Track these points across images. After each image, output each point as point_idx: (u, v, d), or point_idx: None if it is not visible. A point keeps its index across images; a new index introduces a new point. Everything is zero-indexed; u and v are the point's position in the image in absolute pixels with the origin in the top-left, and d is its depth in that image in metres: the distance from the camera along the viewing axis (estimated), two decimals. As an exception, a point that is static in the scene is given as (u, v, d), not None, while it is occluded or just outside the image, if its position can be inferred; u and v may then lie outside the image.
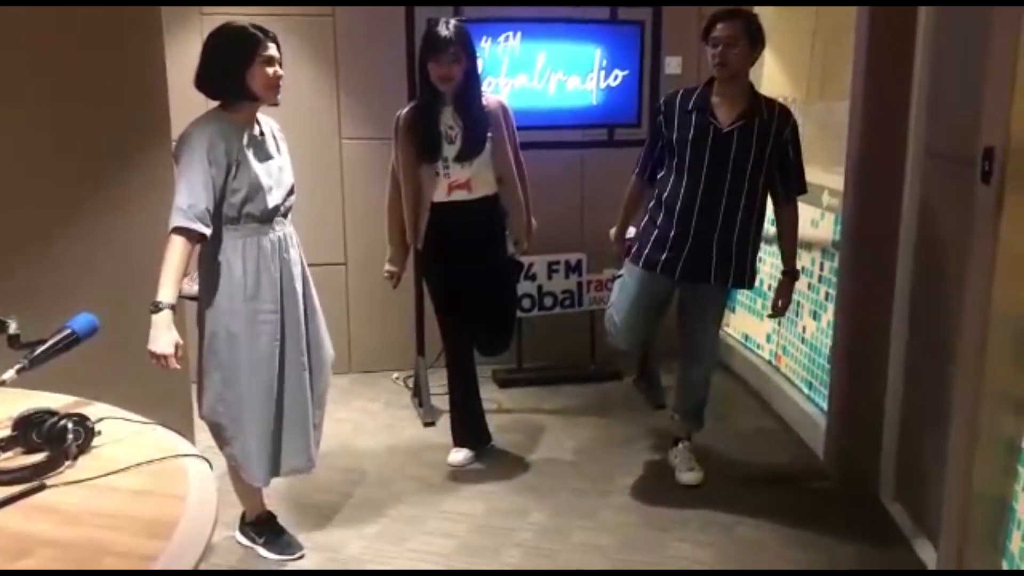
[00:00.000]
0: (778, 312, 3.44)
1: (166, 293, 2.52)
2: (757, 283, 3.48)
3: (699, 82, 3.35)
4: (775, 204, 3.35)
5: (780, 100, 3.43)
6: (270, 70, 2.64)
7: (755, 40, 3.15)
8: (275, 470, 2.88)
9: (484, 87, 3.75)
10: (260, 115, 2.79)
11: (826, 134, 3.80)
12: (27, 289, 3.00)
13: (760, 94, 3.27)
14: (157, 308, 2.50)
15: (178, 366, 2.54)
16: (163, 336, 2.50)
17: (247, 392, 2.75)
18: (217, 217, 2.65)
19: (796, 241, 3.38)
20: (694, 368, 3.54)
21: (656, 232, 3.32)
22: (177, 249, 2.56)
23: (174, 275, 2.54)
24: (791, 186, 3.30)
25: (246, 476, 2.86)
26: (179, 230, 2.56)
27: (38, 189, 3.07)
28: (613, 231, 3.66)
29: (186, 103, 3.52)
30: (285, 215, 2.82)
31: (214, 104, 2.73)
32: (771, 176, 3.25)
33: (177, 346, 2.52)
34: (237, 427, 2.78)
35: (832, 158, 3.72)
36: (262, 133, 2.78)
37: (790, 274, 3.38)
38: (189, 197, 2.57)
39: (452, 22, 3.37)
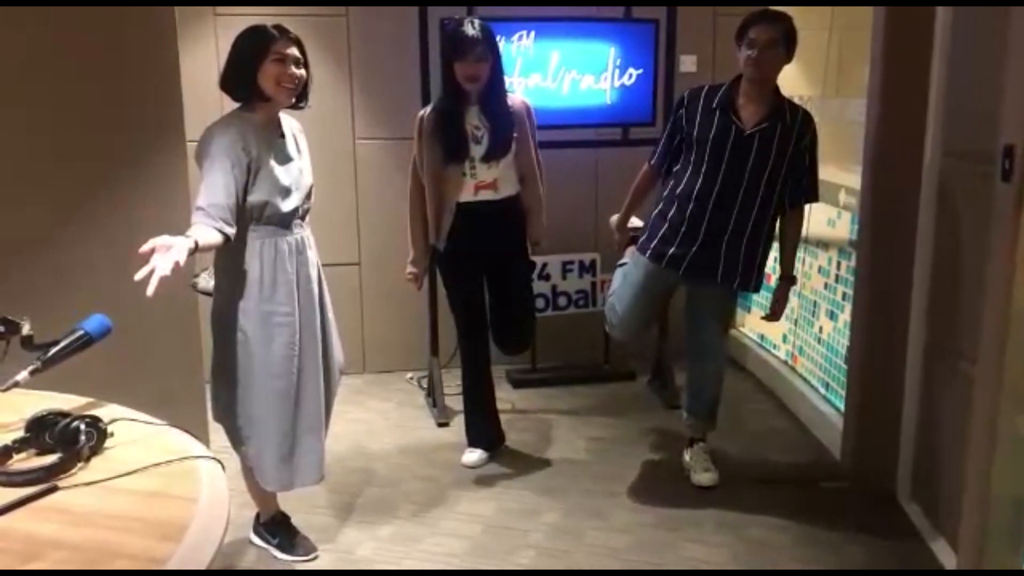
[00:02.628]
0: (773, 317, 3.44)
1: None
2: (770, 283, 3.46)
3: (713, 79, 3.33)
4: (780, 209, 3.32)
5: (796, 99, 3.40)
6: (282, 69, 2.61)
7: (791, 45, 3.13)
8: (290, 478, 2.83)
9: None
10: (283, 115, 2.77)
11: (842, 132, 3.77)
12: (35, 291, 3.00)
13: (785, 97, 3.24)
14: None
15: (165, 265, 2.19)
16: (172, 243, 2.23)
17: (261, 395, 2.73)
18: (238, 218, 2.62)
19: (797, 247, 3.40)
20: (702, 367, 3.52)
21: (665, 226, 3.30)
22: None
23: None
24: (800, 193, 3.28)
25: (260, 480, 2.85)
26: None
27: (48, 191, 3.07)
28: (615, 219, 3.63)
29: (200, 103, 3.55)
30: (303, 217, 2.80)
31: (235, 105, 2.71)
32: (784, 181, 3.23)
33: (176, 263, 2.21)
34: (251, 428, 2.76)
35: (849, 156, 3.69)
36: (283, 135, 2.76)
37: (788, 279, 3.39)
38: (210, 197, 2.52)
39: (477, 22, 3.35)
